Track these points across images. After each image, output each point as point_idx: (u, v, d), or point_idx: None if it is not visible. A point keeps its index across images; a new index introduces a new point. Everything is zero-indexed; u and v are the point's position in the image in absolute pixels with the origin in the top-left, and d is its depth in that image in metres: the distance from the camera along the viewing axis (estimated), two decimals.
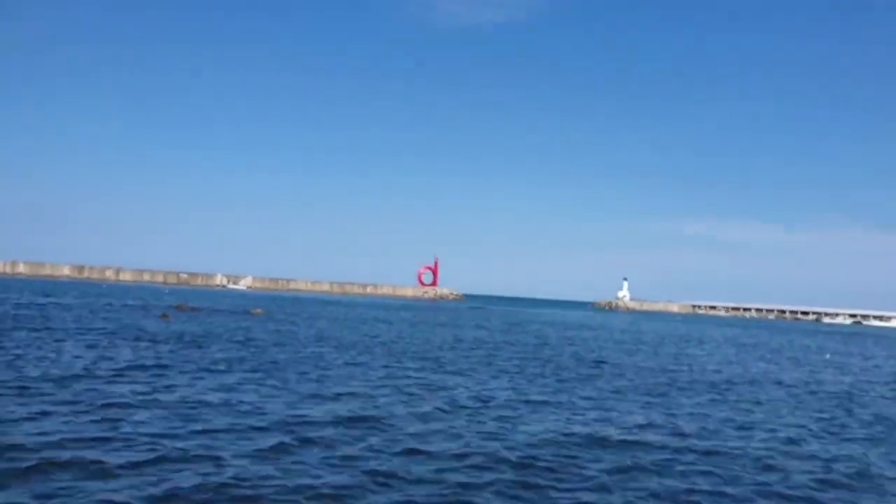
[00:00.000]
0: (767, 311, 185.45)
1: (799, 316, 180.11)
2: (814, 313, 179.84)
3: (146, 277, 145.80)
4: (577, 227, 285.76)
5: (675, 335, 59.85)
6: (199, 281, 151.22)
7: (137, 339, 27.60)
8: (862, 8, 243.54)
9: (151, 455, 10.68)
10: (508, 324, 62.50)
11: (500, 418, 15.34)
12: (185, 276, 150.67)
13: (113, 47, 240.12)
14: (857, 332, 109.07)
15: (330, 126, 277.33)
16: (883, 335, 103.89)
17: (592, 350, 36.64)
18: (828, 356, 43.52)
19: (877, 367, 37.26)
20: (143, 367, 19.55)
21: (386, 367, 23.53)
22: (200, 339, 29.08)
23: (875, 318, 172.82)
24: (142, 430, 12.18)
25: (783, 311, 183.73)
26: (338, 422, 13.90)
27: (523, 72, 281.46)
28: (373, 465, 11.00)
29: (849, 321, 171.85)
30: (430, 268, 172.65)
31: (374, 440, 12.60)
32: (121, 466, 10.04)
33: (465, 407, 16.50)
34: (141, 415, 13.39)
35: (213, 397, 15.65)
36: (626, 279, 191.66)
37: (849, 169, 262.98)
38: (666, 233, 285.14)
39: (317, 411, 14.82)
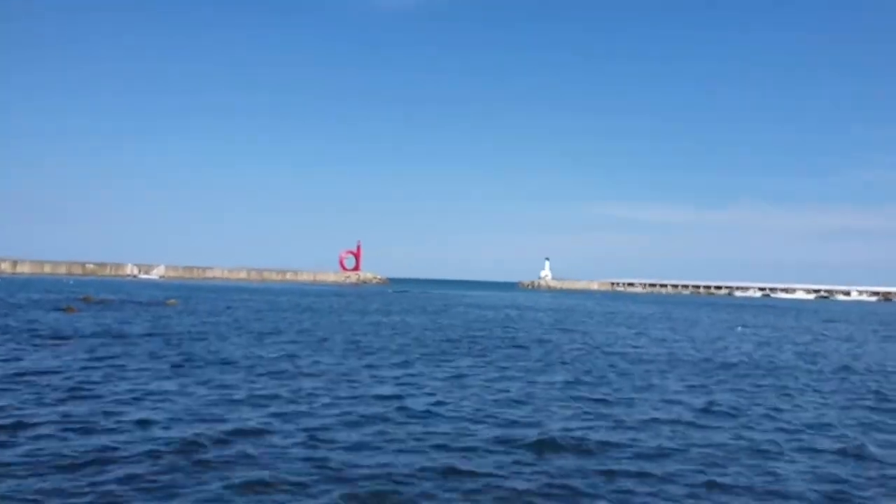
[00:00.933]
0: (683, 286, 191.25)
1: (713, 290, 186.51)
2: (726, 287, 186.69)
3: (47, 269, 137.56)
4: (499, 209, 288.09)
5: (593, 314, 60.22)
6: (107, 271, 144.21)
7: (37, 335, 25.15)
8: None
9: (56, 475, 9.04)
10: (440, 307, 61.59)
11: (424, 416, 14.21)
12: (91, 266, 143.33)
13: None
14: (767, 304, 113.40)
15: (246, 110, 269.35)
16: (789, 306, 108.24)
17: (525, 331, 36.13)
18: (739, 329, 44.54)
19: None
20: (41, 373, 17.43)
21: (315, 361, 22.04)
22: (110, 334, 26.79)
23: (781, 290, 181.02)
24: (47, 446, 10.47)
25: (697, 287, 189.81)
26: (254, 431, 12.44)
27: (446, 55, 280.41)
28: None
29: (758, 294, 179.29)
30: (352, 252, 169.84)
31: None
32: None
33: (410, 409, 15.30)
34: (42, 429, 11.58)
35: (119, 403, 13.91)
36: (547, 259, 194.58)
37: (755, 153, 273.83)
38: (586, 214, 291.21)
39: (232, 420, 13.30)
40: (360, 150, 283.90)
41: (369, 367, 20.35)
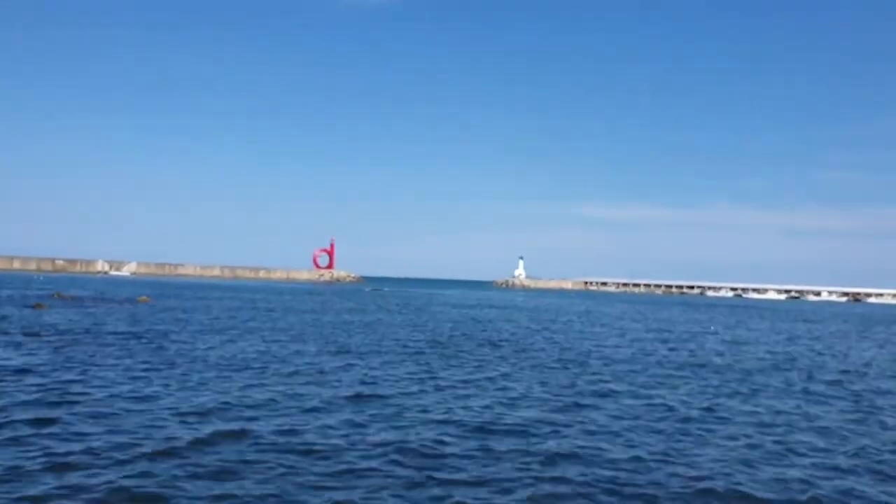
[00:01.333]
0: (655, 286, 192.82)
1: (685, 290, 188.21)
2: (699, 287, 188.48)
3: (16, 265, 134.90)
4: (474, 208, 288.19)
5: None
6: (78, 268, 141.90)
7: (5, 332, 24.55)
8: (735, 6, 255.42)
9: None
10: (418, 306, 61.37)
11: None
12: (62, 262, 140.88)
13: None
14: (739, 304, 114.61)
15: (219, 107, 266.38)
16: (765, 307, 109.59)
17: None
18: (712, 328, 44.95)
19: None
20: (10, 370, 16.99)
21: (291, 360, 21.77)
22: (80, 331, 26.24)
23: (753, 290, 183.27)
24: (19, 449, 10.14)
25: (670, 287, 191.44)
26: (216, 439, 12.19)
27: (416, 53, 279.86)
28: None
29: (730, 294, 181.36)
30: (325, 250, 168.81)
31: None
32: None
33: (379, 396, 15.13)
34: (7, 431, 11.24)
35: (90, 403, 13.58)
36: (521, 258, 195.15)
37: (729, 156, 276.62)
38: (559, 213, 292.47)
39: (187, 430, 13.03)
40: (335, 148, 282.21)
41: (347, 366, 20.15)
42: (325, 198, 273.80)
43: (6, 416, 11.90)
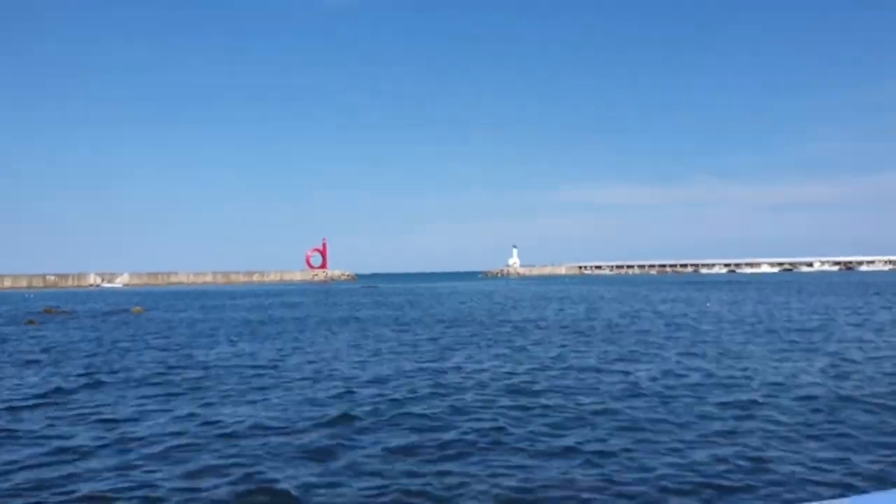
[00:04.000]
0: (650, 266, 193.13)
1: (679, 269, 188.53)
2: (692, 265, 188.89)
3: (7, 283, 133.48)
4: (464, 200, 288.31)
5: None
6: (69, 282, 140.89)
7: None
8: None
9: None
10: (433, 303, 60.97)
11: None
12: (53, 278, 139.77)
13: None
14: (733, 280, 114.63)
15: (205, 112, 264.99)
16: (754, 280, 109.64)
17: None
18: (708, 304, 44.72)
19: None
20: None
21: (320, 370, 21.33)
22: (74, 346, 25.72)
23: (747, 265, 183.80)
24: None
25: (664, 266, 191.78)
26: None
27: (397, 45, 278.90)
28: None
29: (724, 270, 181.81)
30: (318, 250, 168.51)
31: None
32: None
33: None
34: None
35: (94, 424, 13.13)
36: (515, 246, 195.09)
37: (711, 132, 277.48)
38: (549, 200, 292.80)
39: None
40: (323, 146, 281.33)
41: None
42: (315, 198, 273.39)
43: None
